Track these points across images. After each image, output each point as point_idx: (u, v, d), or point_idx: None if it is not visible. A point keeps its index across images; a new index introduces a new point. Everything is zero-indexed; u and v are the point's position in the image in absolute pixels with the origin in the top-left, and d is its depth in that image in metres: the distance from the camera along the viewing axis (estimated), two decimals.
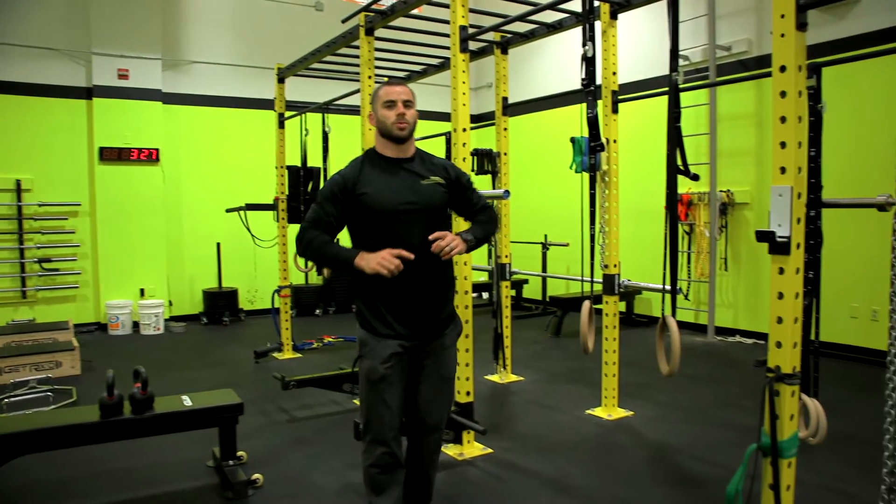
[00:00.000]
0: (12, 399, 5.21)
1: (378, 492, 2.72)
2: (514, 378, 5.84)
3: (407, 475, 2.87)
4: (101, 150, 8.19)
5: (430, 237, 2.56)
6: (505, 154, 5.60)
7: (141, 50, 8.42)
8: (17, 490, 3.60)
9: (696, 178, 4.01)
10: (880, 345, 2.93)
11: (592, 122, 4.16)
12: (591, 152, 4.32)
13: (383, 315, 2.65)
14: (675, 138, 3.60)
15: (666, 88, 6.69)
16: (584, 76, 4.06)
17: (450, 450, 4.08)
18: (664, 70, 7.88)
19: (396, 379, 2.66)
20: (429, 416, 2.82)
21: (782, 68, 2.11)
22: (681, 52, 7.49)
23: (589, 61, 4.05)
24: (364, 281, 2.62)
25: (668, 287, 3.63)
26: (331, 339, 7.48)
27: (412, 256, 2.53)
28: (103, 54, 8.21)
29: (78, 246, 8.30)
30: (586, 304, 4.03)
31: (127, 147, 8.32)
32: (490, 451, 4.11)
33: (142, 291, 8.49)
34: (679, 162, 3.78)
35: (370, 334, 2.66)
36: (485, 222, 2.84)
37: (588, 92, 4.08)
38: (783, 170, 2.14)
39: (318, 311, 9.55)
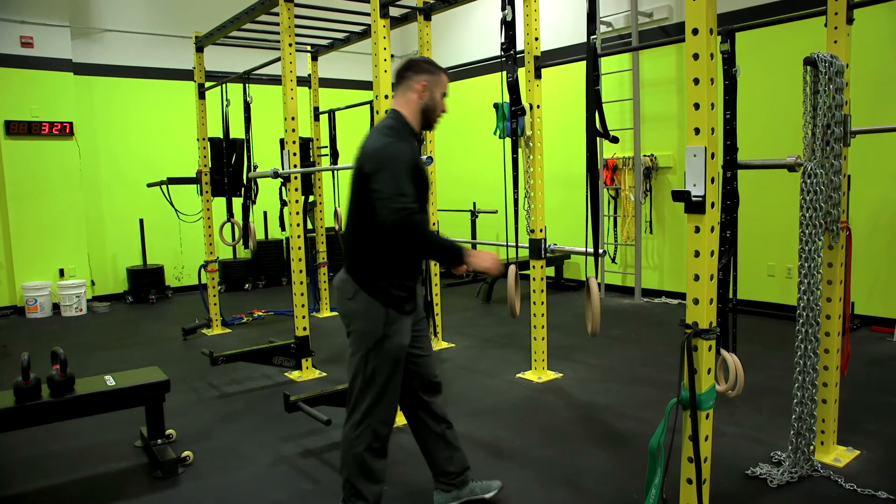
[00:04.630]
0: None
1: (372, 479, 2.65)
2: (445, 345, 5.89)
3: (432, 445, 2.90)
4: (7, 123, 7.74)
5: None
6: None
7: (45, 16, 7.95)
8: None
9: (615, 140, 4.08)
10: (795, 301, 3.07)
11: (512, 87, 4.21)
12: (512, 117, 4.37)
13: (407, 294, 2.64)
14: (593, 102, 3.64)
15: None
16: (503, 41, 4.09)
17: None
18: (585, 37, 7.98)
19: None
20: (436, 375, 2.90)
21: (695, 31, 2.15)
22: (603, 19, 7.64)
23: (508, 25, 4.08)
24: (397, 262, 2.59)
25: (591, 250, 3.68)
26: (261, 314, 7.38)
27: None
28: (2, 20, 7.71)
29: None
30: (512, 269, 4.07)
31: (37, 121, 7.90)
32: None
33: (61, 272, 8.15)
34: (598, 125, 3.83)
35: (397, 312, 2.60)
36: None
37: (507, 56, 4.13)
38: (697, 131, 2.19)
39: (247, 286, 9.39)
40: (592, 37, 3.72)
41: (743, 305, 6.08)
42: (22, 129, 7.83)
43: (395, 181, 2.41)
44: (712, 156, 2.21)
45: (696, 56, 2.16)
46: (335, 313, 7.42)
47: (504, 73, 4.19)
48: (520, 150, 4.66)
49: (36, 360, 3.34)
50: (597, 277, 3.20)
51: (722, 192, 2.89)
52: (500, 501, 3.06)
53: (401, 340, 2.61)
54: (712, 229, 2.25)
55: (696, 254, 2.25)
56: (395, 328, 2.59)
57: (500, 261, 2.63)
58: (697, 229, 2.24)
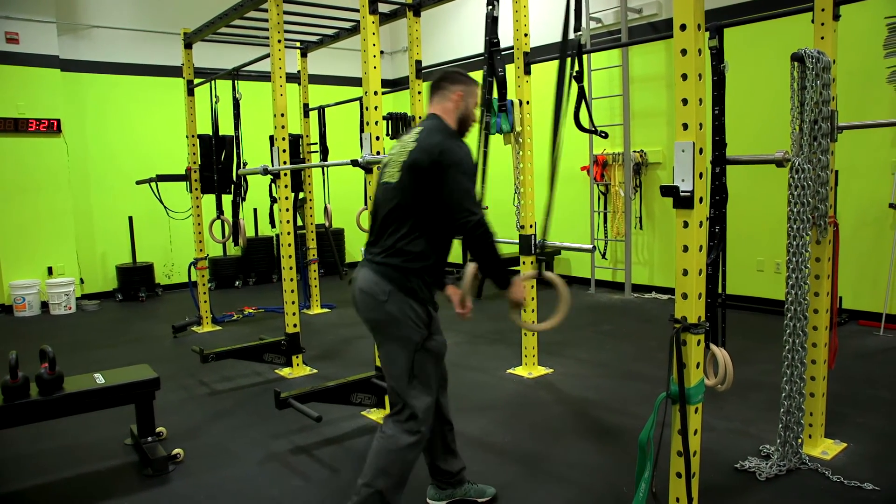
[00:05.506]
0: None
1: (404, 481, 2.61)
2: None
3: (433, 443, 2.90)
4: None
5: None
6: (420, 118, 5.57)
7: (31, 12, 7.88)
8: None
9: (604, 135, 4.10)
10: (784, 295, 3.10)
11: (501, 82, 4.22)
12: (487, 109, 4.44)
13: (435, 289, 2.68)
14: (561, 97, 3.66)
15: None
16: (487, 36, 4.11)
17: (372, 414, 4.10)
18: (578, 32, 7.95)
19: None
20: (446, 369, 2.92)
21: (682, 27, 2.16)
22: (593, 15, 7.65)
23: (494, 21, 4.09)
24: (439, 261, 2.63)
25: (582, 245, 3.70)
26: (251, 311, 7.36)
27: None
28: None
29: None
30: (471, 266, 4.00)
31: (23, 117, 7.84)
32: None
33: (49, 270, 8.11)
34: (587, 122, 3.86)
35: (434, 309, 2.66)
36: None
37: (493, 52, 4.15)
38: (685, 126, 2.20)
39: (237, 283, 9.36)
40: (577, 33, 3.74)
41: (732, 300, 6.11)
42: (8, 126, 7.77)
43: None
44: (700, 151, 2.22)
45: (683, 52, 2.17)
46: (326, 310, 7.42)
47: (484, 69, 4.25)
48: (512, 147, 4.67)
49: (24, 359, 3.32)
50: (541, 269, 3.25)
51: (710, 187, 2.91)
52: (492, 497, 3.07)
53: (442, 337, 2.70)
54: (700, 224, 2.26)
55: (685, 249, 2.26)
56: (435, 325, 2.66)
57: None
58: (686, 224, 2.25)
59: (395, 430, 2.58)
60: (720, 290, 2.97)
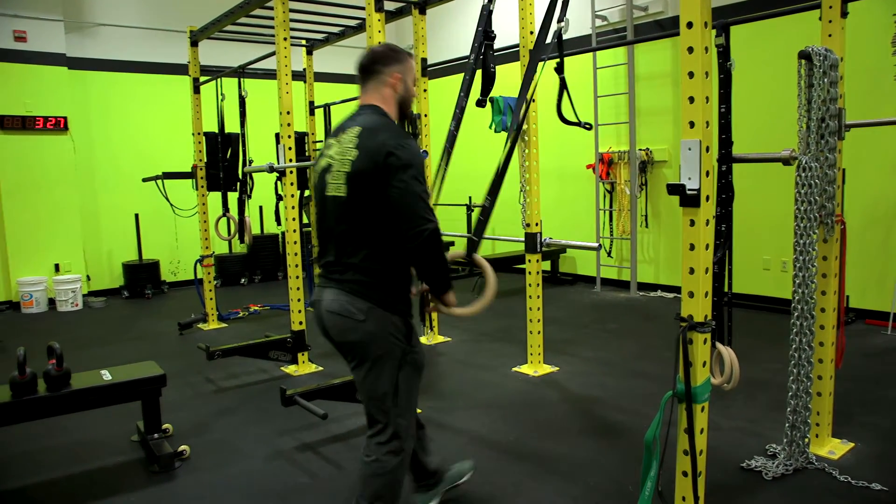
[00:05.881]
0: None
1: (399, 495, 2.51)
2: (441, 339, 5.90)
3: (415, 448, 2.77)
4: (2, 118, 7.71)
5: None
6: (425, 116, 5.57)
7: (39, 10, 7.91)
8: None
9: (588, 126, 4.03)
10: (790, 294, 3.09)
11: (490, 78, 4.12)
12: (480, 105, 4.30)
13: (410, 298, 2.48)
14: (527, 88, 3.65)
15: (586, 47, 6.76)
16: (481, 26, 4.05)
17: None
18: (580, 31, 7.96)
19: None
20: None
21: (689, 24, 2.15)
22: (598, 13, 7.64)
23: (489, 14, 4.03)
24: (407, 268, 2.43)
25: (587, 243, 3.69)
26: (257, 308, 7.38)
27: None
28: None
29: None
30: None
31: (31, 115, 7.87)
32: (418, 411, 4.14)
33: (56, 267, 8.13)
34: (573, 114, 3.83)
35: (411, 320, 2.48)
36: None
37: (486, 45, 4.07)
38: (692, 124, 2.19)
39: (243, 280, 9.38)
40: (560, 23, 3.70)
41: (738, 299, 6.09)
42: (16, 124, 7.80)
43: (422, 187, 2.25)
44: (707, 149, 2.21)
45: (690, 49, 2.17)
46: None
47: (470, 59, 4.17)
48: (517, 145, 4.65)
49: (32, 355, 3.33)
50: (474, 251, 2.98)
51: (717, 185, 2.90)
52: (497, 495, 3.07)
53: (422, 349, 2.52)
54: (707, 222, 2.26)
55: (692, 247, 2.26)
56: (416, 338, 2.48)
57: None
58: (692, 223, 2.24)
59: (379, 453, 2.42)
60: (726, 289, 2.97)
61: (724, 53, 2.92)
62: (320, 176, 2.45)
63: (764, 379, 4.42)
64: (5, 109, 7.75)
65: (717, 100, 2.83)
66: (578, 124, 3.98)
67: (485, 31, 4.13)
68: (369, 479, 2.43)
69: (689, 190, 2.22)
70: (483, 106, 3.96)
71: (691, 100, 2.18)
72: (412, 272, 2.44)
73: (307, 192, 7.45)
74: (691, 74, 2.17)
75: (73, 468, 3.53)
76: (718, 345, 2.86)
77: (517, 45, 4.69)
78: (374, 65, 2.47)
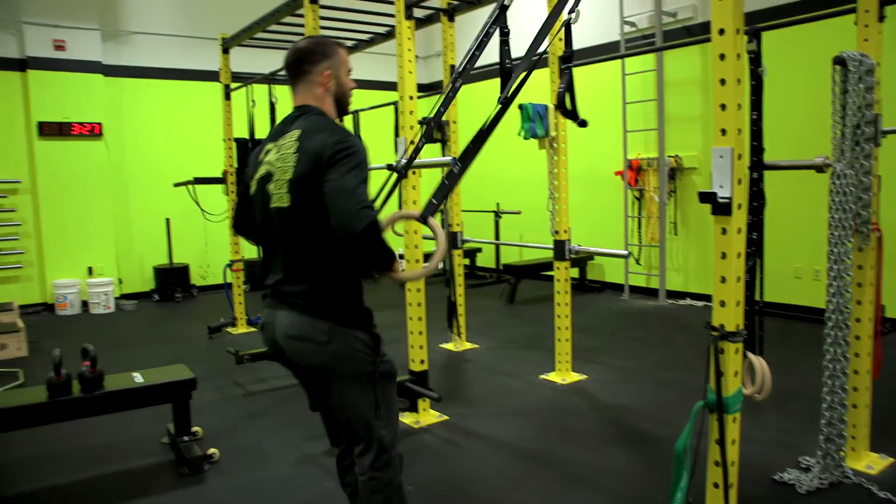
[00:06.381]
0: None
1: (404, 498, 2.38)
2: (468, 346, 5.89)
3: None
4: (41, 125, 7.89)
5: None
6: (454, 122, 5.58)
7: (77, 20, 8.09)
8: None
9: (583, 123, 3.95)
10: (823, 303, 3.04)
11: (505, 76, 3.99)
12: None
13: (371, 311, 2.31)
14: (506, 74, 3.58)
15: (615, 53, 6.73)
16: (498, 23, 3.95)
17: (406, 418, 4.11)
18: (609, 38, 7.93)
19: None
20: None
21: (721, 31, 2.13)
22: (627, 19, 7.60)
23: (503, 9, 3.93)
24: (357, 275, 2.25)
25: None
26: None
27: None
28: (36, 24, 7.86)
29: (19, 224, 8.03)
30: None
31: (68, 122, 8.03)
32: (446, 418, 4.15)
33: (90, 270, 8.27)
34: (569, 104, 3.78)
35: (376, 330, 2.30)
36: None
37: (503, 41, 3.96)
38: (724, 132, 2.17)
39: None
40: (571, 14, 3.63)
41: (769, 308, 6.01)
42: (53, 130, 7.97)
43: (357, 182, 2.02)
44: (739, 157, 2.19)
45: (722, 56, 2.15)
46: None
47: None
48: (546, 152, 4.65)
49: (65, 356, 3.39)
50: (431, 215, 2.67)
51: (748, 193, 2.86)
52: (525, 503, 3.05)
53: (389, 355, 2.33)
54: (739, 231, 2.23)
55: (723, 255, 2.23)
56: (382, 345, 2.29)
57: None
58: (724, 231, 2.22)
59: (372, 471, 2.28)
60: (757, 298, 2.93)
61: (755, 59, 2.89)
62: (259, 185, 2.24)
63: (796, 390, 4.34)
64: (44, 116, 7.92)
65: (749, 106, 2.80)
66: (575, 119, 3.90)
67: (500, 28, 4.03)
68: (371, 496, 2.31)
69: (721, 198, 2.20)
70: (505, 104, 3.89)
71: (723, 107, 2.16)
72: (359, 279, 2.27)
73: None
74: (723, 81, 2.15)
75: (105, 468, 3.58)
76: (749, 354, 2.82)
77: (545, 53, 4.68)
78: (301, 64, 2.26)
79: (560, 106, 4.18)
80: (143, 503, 3.20)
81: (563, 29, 3.80)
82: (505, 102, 3.00)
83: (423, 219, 2.47)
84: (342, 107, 2.34)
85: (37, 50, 7.89)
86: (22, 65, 7.94)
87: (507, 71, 3.91)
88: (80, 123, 8.11)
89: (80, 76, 8.12)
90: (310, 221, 2.10)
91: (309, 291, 2.15)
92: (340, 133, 2.12)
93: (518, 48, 3.63)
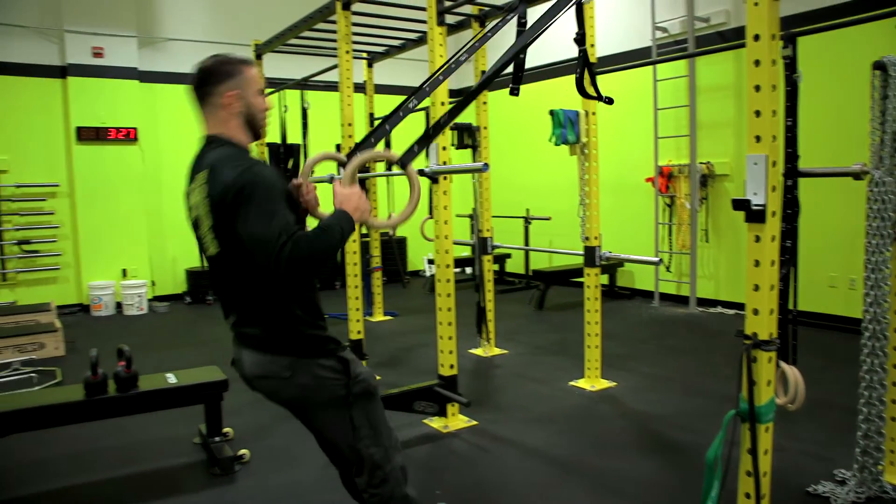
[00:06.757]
0: None
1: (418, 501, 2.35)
2: (497, 351, 5.89)
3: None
4: (79, 129, 8.07)
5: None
6: (485, 128, 5.59)
7: (115, 27, 8.28)
8: (2, 470, 3.60)
9: (609, 101, 3.90)
10: (858, 313, 2.98)
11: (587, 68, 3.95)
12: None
13: (326, 327, 2.18)
14: (580, 62, 3.57)
15: (646, 59, 6.68)
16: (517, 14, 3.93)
17: (434, 423, 4.12)
18: (641, 43, 7.89)
19: None
20: None
21: (756, 37, 2.12)
22: (659, 24, 7.55)
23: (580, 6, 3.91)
24: (312, 298, 2.13)
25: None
26: None
27: None
28: (76, 31, 8.06)
29: (57, 227, 8.22)
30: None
31: (104, 126, 8.21)
32: (474, 423, 4.15)
33: (124, 272, 8.42)
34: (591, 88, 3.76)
35: (342, 351, 2.17)
36: None
37: (520, 32, 3.93)
38: (758, 138, 2.15)
39: None
40: None
41: (803, 317, 5.91)
42: (91, 135, 8.15)
43: (263, 216, 1.89)
44: (773, 164, 2.17)
45: (757, 62, 2.13)
46: (388, 318, 7.48)
47: (563, 80, 4.08)
48: (577, 158, 4.64)
49: (100, 356, 3.46)
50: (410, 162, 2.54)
51: (782, 200, 2.83)
52: None
53: (363, 373, 2.19)
54: (773, 239, 2.21)
55: (756, 263, 2.21)
56: (352, 367, 2.15)
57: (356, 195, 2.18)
58: (758, 238, 2.20)
59: (370, 488, 2.23)
60: (791, 306, 2.89)
61: (790, 65, 2.86)
62: (194, 231, 2.16)
63: (830, 400, 4.27)
64: (82, 121, 8.10)
65: (784, 113, 2.77)
66: (599, 98, 3.86)
67: (518, 18, 4.00)
68: None
69: (755, 205, 2.18)
70: (516, 94, 3.87)
71: (757, 113, 2.14)
72: (317, 298, 2.17)
73: None
74: (758, 88, 2.13)
75: (139, 466, 3.65)
76: (782, 363, 2.79)
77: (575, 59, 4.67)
78: (204, 85, 2.10)
79: (580, 90, 4.11)
80: (175, 501, 3.25)
81: (575, 8, 3.75)
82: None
83: (402, 164, 2.40)
84: (255, 129, 2.16)
85: (76, 57, 8.09)
86: (63, 72, 8.14)
87: (519, 62, 3.89)
88: (116, 128, 8.28)
89: (116, 82, 8.30)
90: (242, 265, 2.03)
91: (263, 331, 2.10)
92: (238, 167, 1.96)
93: (544, 51, 3.64)
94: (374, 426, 2.21)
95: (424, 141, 2.59)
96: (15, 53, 7.94)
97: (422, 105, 3.02)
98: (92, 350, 3.42)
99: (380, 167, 7.68)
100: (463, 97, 2.84)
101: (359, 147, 2.71)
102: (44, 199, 8.14)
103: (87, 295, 8.25)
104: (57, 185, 8.20)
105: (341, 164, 2.42)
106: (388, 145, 6.01)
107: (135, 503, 3.26)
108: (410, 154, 2.45)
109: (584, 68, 3.82)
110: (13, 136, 7.96)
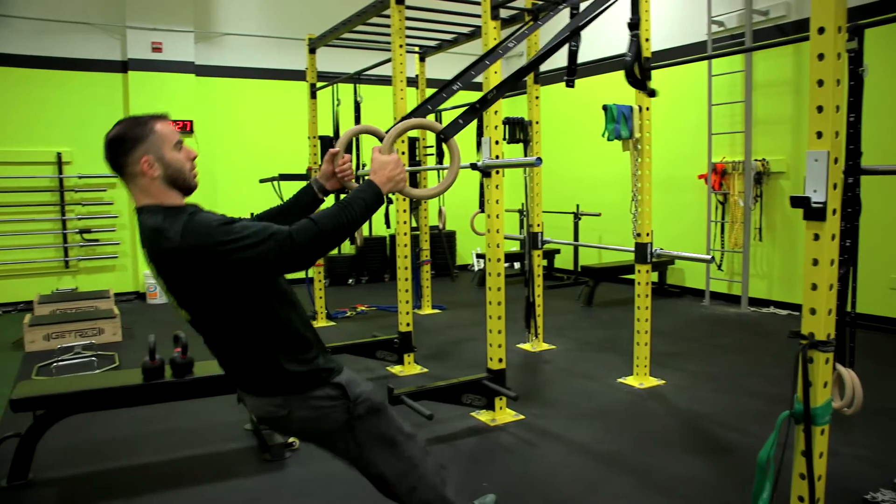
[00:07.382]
0: (59, 363, 5.39)
1: (459, 488, 2.38)
2: (545, 346, 5.87)
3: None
4: None
5: None
6: (536, 123, 5.58)
7: (173, 23, 8.50)
8: (65, 448, 3.74)
9: (652, 94, 3.86)
10: None
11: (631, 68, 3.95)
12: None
13: (316, 355, 2.10)
14: (631, 48, 3.54)
15: (702, 54, 6.58)
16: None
17: (482, 416, 4.14)
18: (696, 38, 7.76)
19: None
20: None
21: (821, 30, 2.07)
22: (715, 18, 7.40)
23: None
24: (293, 330, 2.07)
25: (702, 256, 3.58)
26: (364, 308, 7.58)
27: None
28: (137, 28, 8.31)
29: (116, 217, 8.48)
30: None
31: None
32: (522, 417, 4.16)
33: None
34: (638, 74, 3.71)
35: (337, 374, 2.12)
36: None
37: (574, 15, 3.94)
38: (820, 134, 2.10)
39: (350, 281, 9.65)
40: None
41: (861, 319, 5.76)
42: None
43: (243, 235, 1.83)
44: (835, 161, 2.12)
45: (821, 56, 2.08)
46: (437, 311, 7.53)
47: (615, 75, 4.07)
48: (630, 154, 4.60)
49: (156, 343, 3.58)
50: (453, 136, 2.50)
51: (843, 198, 2.76)
52: None
53: (365, 392, 2.15)
54: (833, 237, 2.16)
55: (815, 262, 2.17)
56: (350, 389, 2.10)
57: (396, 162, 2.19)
58: (817, 237, 2.15)
59: (401, 498, 2.25)
60: (849, 308, 2.82)
61: (855, 59, 2.78)
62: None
63: (889, 407, 4.16)
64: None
65: (847, 108, 2.70)
66: (644, 88, 3.81)
67: (571, 6, 4.01)
68: None
69: (815, 203, 2.13)
70: (571, 86, 3.87)
71: (820, 109, 2.10)
72: (299, 329, 2.08)
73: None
74: (821, 83, 2.09)
75: (193, 450, 3.76)
76: (839, 366, 2.72)
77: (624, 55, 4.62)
78: (116, 158, 2.01)
79: (629, 75, 4.07)
80: (228, 485, 3.34)
81: None
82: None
83: (444, 135, 2.40)
84: (181, 186, 2.03)
85: (137, 52, 8.34)
86: (123, 66, 8.39)
87: (572, 52, 4.04)
88: (174, 121, 8.43)
89: (174, 76, 8.53)
90: (218, 323, 2.03)
91: (249, 376, 2.09)
92: (169, 232, 1.87)
93: (596, 46, 3.62)
94: (389, 440, 2.20)
95: (470, 114, 2.61)
96: (79, 49, 8.23)
97: (473, 99, 3.01)
98: (150, 336, 3.54)
99: (430, 162, 7.71)
100: (513, 72, 2.86)
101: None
102: (104, 190, 8.42)
103: (143, 283, 8.50)
104: (116, 177, 8.40)
105: (380, 139, 2.40)
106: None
107: (189, 485, 3.36)
108: (454, 126, 2.44)
109: (636, 54, 3.80)
110: (76, 129, 8.24)
